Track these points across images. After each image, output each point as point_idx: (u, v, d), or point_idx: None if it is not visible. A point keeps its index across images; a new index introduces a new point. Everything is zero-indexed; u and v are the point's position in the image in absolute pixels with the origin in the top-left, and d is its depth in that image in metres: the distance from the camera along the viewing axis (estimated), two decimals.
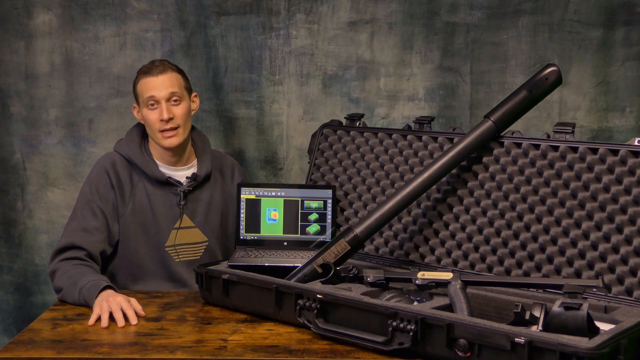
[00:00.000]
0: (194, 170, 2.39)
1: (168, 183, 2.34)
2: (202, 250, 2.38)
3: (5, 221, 2.81)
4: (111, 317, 1.94)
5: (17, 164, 2.80)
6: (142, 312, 1.97)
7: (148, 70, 2.29)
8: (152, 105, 2.27)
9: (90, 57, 2.78)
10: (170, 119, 2.26)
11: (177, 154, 2.35)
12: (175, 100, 2.28)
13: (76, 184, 2.79)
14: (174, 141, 2.29)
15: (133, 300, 1.99)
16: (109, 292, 2.03)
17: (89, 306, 2.00)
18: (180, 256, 2.34)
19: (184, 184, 2.35)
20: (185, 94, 2.32)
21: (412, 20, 2.77)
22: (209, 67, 2.78)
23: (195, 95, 2.39)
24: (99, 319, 1.93)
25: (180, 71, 2.34)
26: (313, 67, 2.80)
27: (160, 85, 2.27)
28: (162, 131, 2.27)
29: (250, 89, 2.81)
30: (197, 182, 2.37)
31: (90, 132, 2.79)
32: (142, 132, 2.39)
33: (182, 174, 2.37)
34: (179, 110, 2.29)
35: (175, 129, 2.28)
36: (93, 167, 2.36)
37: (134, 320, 1.93)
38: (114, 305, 1.95)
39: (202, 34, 2.78)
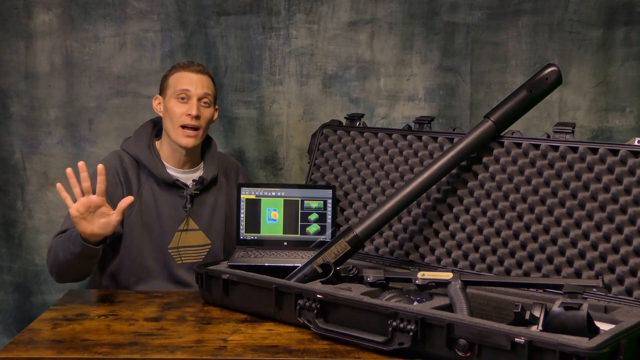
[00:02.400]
0: (200, 173, 2.40)
1: (175, 185, 2.34)
2: (205, 253, 2.38)
3: (5, 221, 2.81)
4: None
5: (17, 164, 2.79)
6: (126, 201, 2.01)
7: (187, 66, 2.35)
8: (183, 98, 2.30)
9: (90, 57, 2.78)
10: (196, 117, 2.28)
11: (187, 156, 2.36)
12: (205, 102, 2.32)
13: None
14: (190, 141, 2.30)
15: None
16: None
17: (77, 246, 2.04)
18: (182, 258, 2.35)
19: (190, 186, 2.35)
20: (212, 102, 2.36)
21: (412, 20, 2.77)
22: (209, 67, 2.78)
23: (217, 108, 2.43)
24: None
25: (214, 81, 2.40)
26: (313, 67, 2.80)
27: (198, 82, 2.31)
28: (183, 126, 2.29)
29: (250, 89, 2.81)
30: (204, 185, 2.37)
31: (90, 132, 2.79)
32: (150, 131, 2.40)
33: (188, 176, 2.38)
34: (206, 113, 2.32)
35: (196, 129, 2.29)
36: (101, 162, 2.35)
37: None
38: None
39: (202, 34, 2.78)
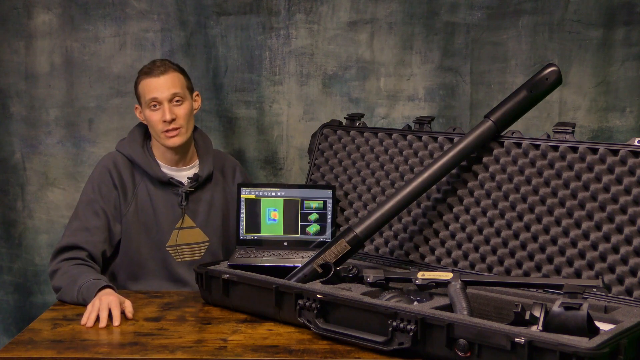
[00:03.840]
0: (195, 170, 2.40)
1: (170, 183, 2.34)
2: (204, 251, 2.38)
3: (5, 221, 2.81)
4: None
5: (17, 164, 2.79)
6: (130, 315, 1.96)
7: (149, 71, 2.28)
8: (155, 106, 2.27)
9: (90, 57, 2.78)
10: (172, 120, 2.26)
11: (179, 154, 2.36)
12: (177, 101, 2.28)
13: (76, 184, 2.79)
14: (176, 141, 2.29)
15: (127, 303, 1.99)
16: (107, 291, 2.02)
17: (87, 305, 2.00)
18: (181, 256, 2.35)
19: (186, 184, 2.36)
20: (187, 94, 2.32)
21: (412, 20, 2.77)
22: (209, 67, 2.78)
23: (197, 94, 2.39)
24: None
25: (181, 70, 2.33)
26: (313, 67, 2.80)
27: (162, 86, 2.26)
28: (164, 131, 2.28)
29: (250, 89, 2.81)
30: (199, 182, 2.37)
31: (90, 132, 2.79)
32: (144, 132, 2.39)
33: (183, 174, 2.38)
34: (181, 111, 2.28)
35: (177, 129, 2.28)
36: (95, 167, 2.36)
37: (116, 321, 1.91)
38: (103, 304, 1.94)
39: (202, 34, 2.78)
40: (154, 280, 2.32)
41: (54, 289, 2.19)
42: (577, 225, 1.96)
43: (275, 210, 2.32)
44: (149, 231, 2.32)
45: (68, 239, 2.24)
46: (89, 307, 1.96)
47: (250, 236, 2.32)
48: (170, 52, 2.77)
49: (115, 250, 2.32)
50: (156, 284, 2.32)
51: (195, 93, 2.37)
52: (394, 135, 2.33)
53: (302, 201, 2.32)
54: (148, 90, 2.27)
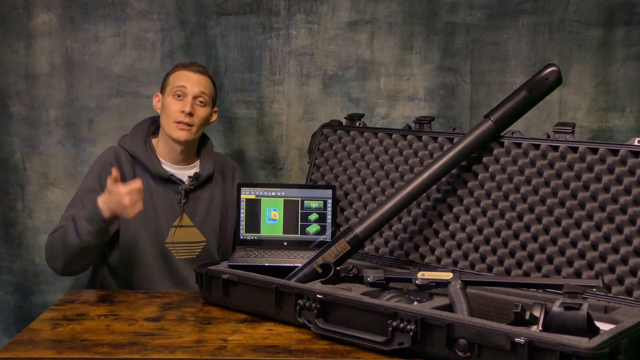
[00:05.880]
0: (196, 169, 2.41)
1: (170, 181, 2.35)
2: (200, 250, 2.38)
3: (5, 221, 2.81)
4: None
5: (17, 164, 2.79)
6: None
7: (188, 65, 2.38)
8: (179, 95, 2.32)
9: (90, 57, 2.78)
10: (190, 115, 2.30)
11: (182, 153, 2.37)
12: (201, 101, 2.34)
13: (76, 184, 2.77)
14: (184, 135, 2.31)
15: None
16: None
17: (95, 220, 2.11)
18: (178, 254, 2.35)
19: (186, 182, 2.36)
20: (210, 102, 2.38)
21: (412, 20, 2.77)
22: (209, 67, 2.78)
23: (216, 111, 2.45)
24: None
25: (214, 82, 2.42)
26: (313, 67, 2.80)
27: (195, 81, 2.34)
28: (177, 122, 2.30)
29: (250, 89, 2.81)
30: (199, 181, 2.38)
31: (90, 132, 2.79)
32: (147, 129, 2.41)
33: (184, 172, 2.38)
34: (200, 112, 2.34)
35: (190, 125, 2.31)
36: (97, 159, 2.38)
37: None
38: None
39: (202, 34, 2.78)
40: (154, 275, 2.33)
41: (47, 258, 2.24)
42: (577, 225, 1.96)
43: (275, 210, 2.32)
44: (148, 227, 2.33)
45: (62, 223, 2.24)
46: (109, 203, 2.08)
47: (250, 236, 2.32)
48: (170, 52, 2.77)
49: (115, 244, 2.32)
50: (156, 279, 2.32)
51: (215, 108, 2.43)
52: (394, 135, 2.33)
53: (302, 201, 2.32)
54: (179, 79, 2.34)
